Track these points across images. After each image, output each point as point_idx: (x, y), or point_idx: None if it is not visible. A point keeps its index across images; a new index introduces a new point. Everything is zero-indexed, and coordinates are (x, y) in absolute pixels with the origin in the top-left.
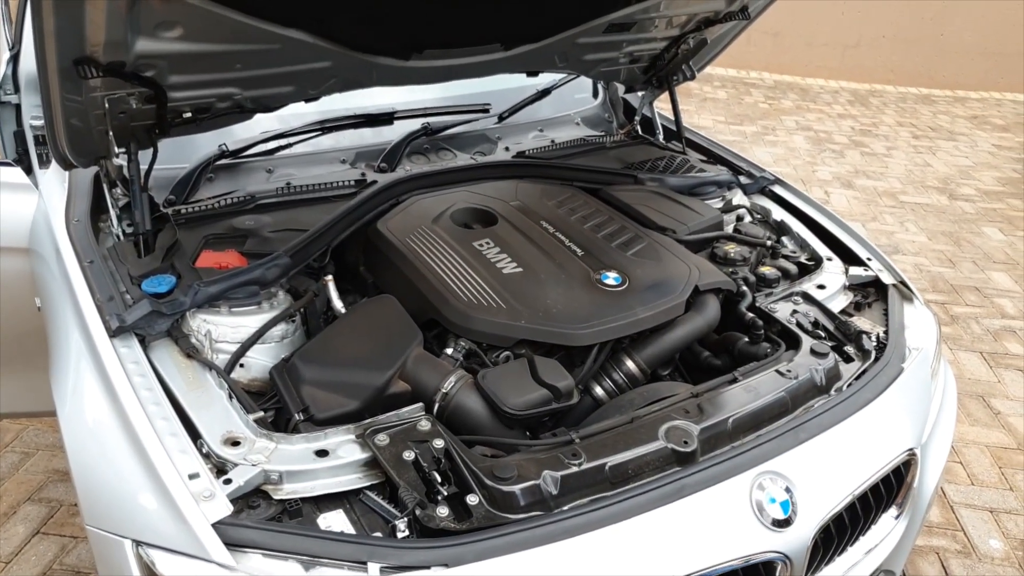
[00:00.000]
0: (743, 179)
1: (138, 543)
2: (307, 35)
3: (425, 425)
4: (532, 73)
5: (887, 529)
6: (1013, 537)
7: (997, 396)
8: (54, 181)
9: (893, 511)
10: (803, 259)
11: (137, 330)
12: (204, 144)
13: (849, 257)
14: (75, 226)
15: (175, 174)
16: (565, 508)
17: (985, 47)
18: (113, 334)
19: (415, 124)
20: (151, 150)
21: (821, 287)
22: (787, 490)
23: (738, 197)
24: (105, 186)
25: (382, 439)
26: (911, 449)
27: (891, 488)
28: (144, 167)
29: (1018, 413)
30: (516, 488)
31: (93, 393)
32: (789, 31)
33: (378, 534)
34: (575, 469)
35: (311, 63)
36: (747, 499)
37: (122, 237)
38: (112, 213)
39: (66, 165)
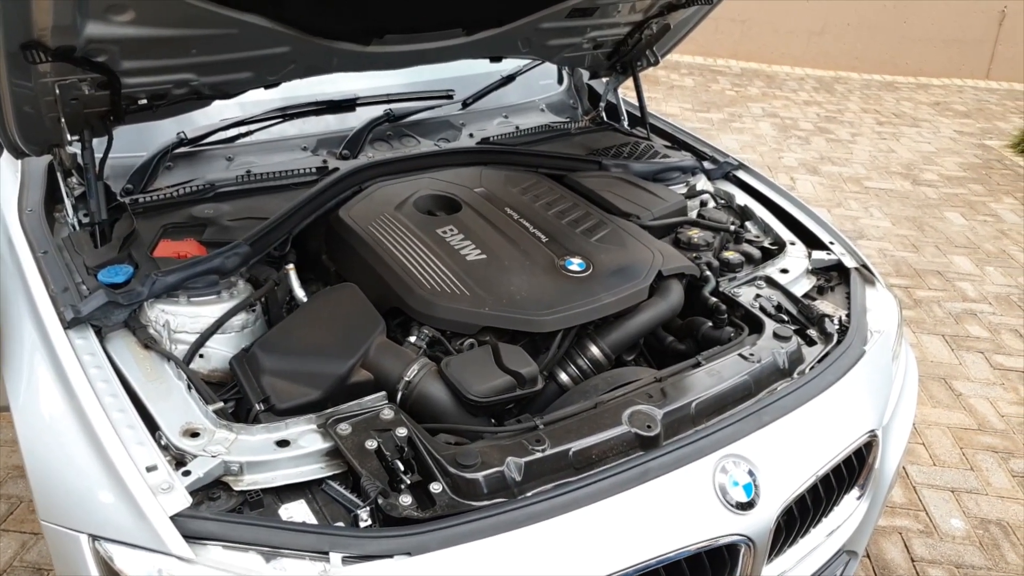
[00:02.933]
0: (707, 164)
1: (95, 538)
2: (263, 20)
3: (388, 414)
4: (495, 59)
5: (849, 510)
6: (974, 516)
7: (959, 378)
8: (6, 170)
9: (855, 492)
10: (766, 243)
11: (93, 321)
12: (162, 132)
13: (812, 241)
14: (28, 216)
15: (133, 162)
16: (529, 494)
17: (947, 34)
18: (68, 325)
19: (378, 111)
20: (106, 137)
21: (784, 271)
22: (750, 473)
23: (702, 182)
24: (59, 175)
25: (344, 428)
26: (872, 431)
27: (853, 469)
28: (99, 155)
29: (979, 394)
30: (479, 475)
31: (47, 386)
32: (756, 18)
33: (340, 524)
34: (538, 455)
35: (269, 48)
36: (710, 482)
37: (78, 227)
38: (67, 203)
39: (17, 153)
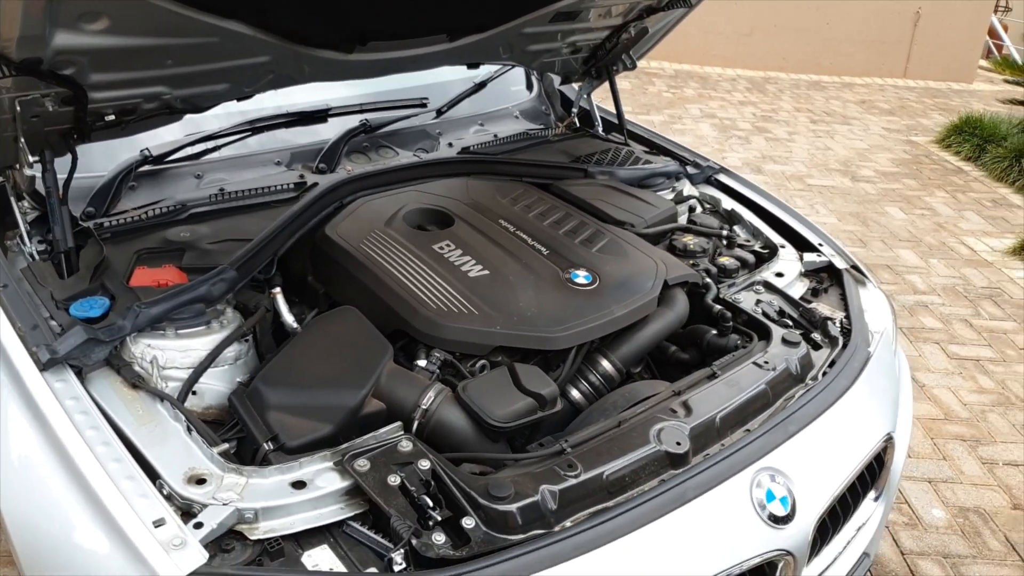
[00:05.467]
0: (689, 169)
1: None
2: (247, 27)
3: (407, 445)
4: (473, 65)
5: (868, 513)
6: (952, 505)
7: (920, 370)
8: None
9: (872, 495)
10: (757, 247)
11: (71, 361)
12: (120, 150)
13: (800, 243)
14: None
15: (92, 183)
16: (567, 523)
17: (867, 35)
18: (44, 367)
19: (352, 121)
20: (69, 157)
21: (779, 275)
22: (785, 486)
23: (687, 187)
24: (12, 199)
25: (363, 464)
26: (889, 433)
27: (873, 473)
28: (62, 177)
29: (941, 385)
30: (514, 507)
31: (26, 438)
32: (687, 21)
33: (373, 570)
34: (573, 481)
35: (248, 58)
36: (748, 498)
37: (36, 256)
38: (22, 229)
39: None
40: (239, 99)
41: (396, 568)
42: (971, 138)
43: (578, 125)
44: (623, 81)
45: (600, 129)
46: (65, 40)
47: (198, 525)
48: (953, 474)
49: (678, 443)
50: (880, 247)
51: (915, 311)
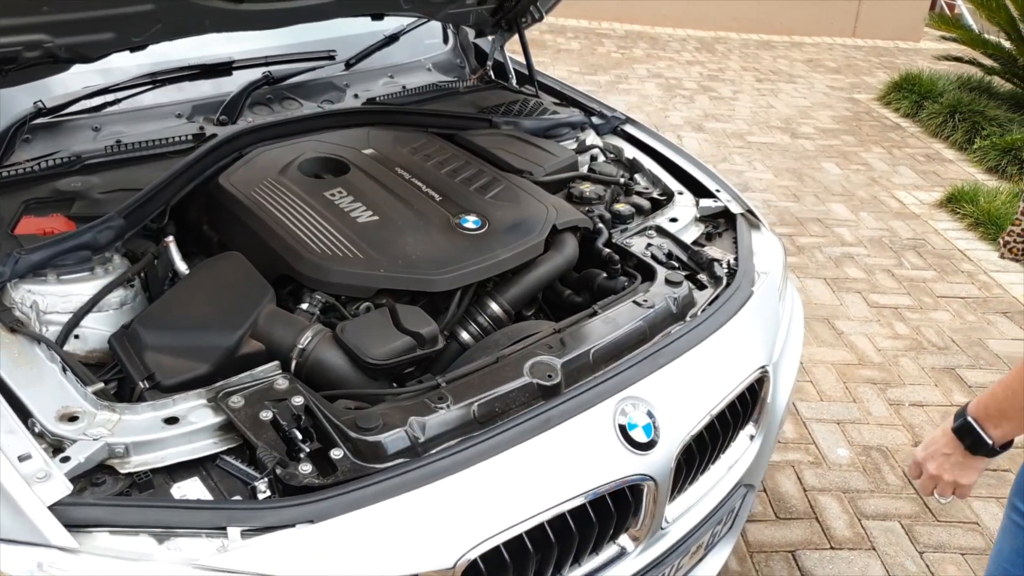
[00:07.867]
0: (595, 120)
1: None
2: None
3: (282, 383)
4: (377, 17)
5: (745, 445)
6: (857, 444)
7: (840, 318)
8: None
9: (750, 428)
10: (655, 194)
11: None
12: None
13: (699, 190)
14: None
15: None
16: (433, 452)
17: None
18: None
19: (256, 74)
20: None
21: (674, 220)
22: (648, 414)
23: (591, 138)
24: None
25: (236, 401)
26: (763, 366)
27: (747, 405)
28: None
29: (858, 332)
30: (381, 437)
31: None
32: None
33: (237, 497)
34: (441, 413)
35: (129, 7)
36: (611, 425)
37: None
38: None
39: None
40: (132, 50)
41: (260, 496)
42: (910, 95)
43: (492, 77)
44: (572, 42)
45: (513, 81)
46: None
47: (65, 459)
48: (861, 415)
49: (549, 376)
50: (813, 201)
51: (841, 262)
